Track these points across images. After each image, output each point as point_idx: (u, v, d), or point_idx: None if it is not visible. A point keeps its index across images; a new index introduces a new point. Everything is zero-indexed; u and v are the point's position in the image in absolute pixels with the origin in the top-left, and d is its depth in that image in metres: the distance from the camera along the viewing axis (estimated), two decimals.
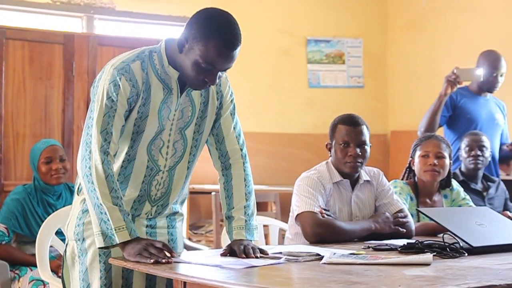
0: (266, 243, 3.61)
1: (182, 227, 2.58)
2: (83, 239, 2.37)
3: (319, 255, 2.26)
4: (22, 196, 3.78)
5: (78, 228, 2.38)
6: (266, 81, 6.65)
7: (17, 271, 3.71)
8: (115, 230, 2.18)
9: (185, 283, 2.05)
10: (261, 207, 5.36)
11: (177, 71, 2.29)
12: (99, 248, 2.24)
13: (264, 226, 3.62)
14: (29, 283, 3.62)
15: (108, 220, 2.19)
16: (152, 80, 2.28)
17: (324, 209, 2.84)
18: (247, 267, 2.04)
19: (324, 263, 2.13)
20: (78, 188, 2.41)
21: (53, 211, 3.49)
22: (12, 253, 3.72)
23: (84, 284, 2.38)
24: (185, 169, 2.43)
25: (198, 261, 2.18)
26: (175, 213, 2.51)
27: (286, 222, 3.09)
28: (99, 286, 2.35)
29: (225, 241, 3.25)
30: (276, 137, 6.59)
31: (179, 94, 2.32)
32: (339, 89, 6.96)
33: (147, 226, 2.43)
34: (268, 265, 2.11)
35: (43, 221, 3.19)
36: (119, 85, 2.23)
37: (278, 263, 2.15)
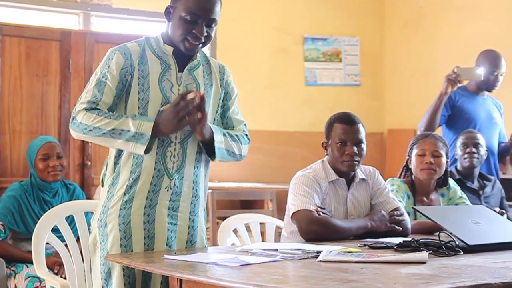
0: (263, 241, 3.61)
1: (203, 220, 2.59)
2: (106, 224, 2.44)
3: (315, 252, 2.26)
4: (19, 193, 3.78)
5: (102, 215, 2.47)
6: (263, 79, 6.65)
7: (13, 268, 3.70)
8: (139, 129, 2.35)
9: (181, 280, 2.05)
10: (258, 204, 5.37)
11: (172, 47, 2.49)
12: (145, 153, 2.36)
13: (261, 223, 3.62)
14: (25, 279, 3.61)
15: (128, 131, 2.35)
16: (149, 56, 2.48)
17: (320, 207, 2.84)
18: (243, 265, 2.05)
19: (320, 261, 2.14)
20: (102, 180, 2.53)
21: (49, 208, 3.48)
22: (8, 250, 3.72)
23: (104, 269, 2.42)
24: (196, 145, 2.51)
25: (194, 258, 2.18)
26: (197, 197, 2.52)
27: (283, 219, 3.09)
28: (121, 269, 2.39)
29: (222, 239, 3.25)
30: (272, 135, 6.59)
31: (178, 69, 2.50)
32: (336, 87, 6.97)
33: (168, 208, 2.46)
34: (264, 262, 2.12)
35: (39, 218, 3.19)
36: (112, 58, 2.45)
37: (274, 261, 2.15)
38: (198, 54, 2.56)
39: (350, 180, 3.01)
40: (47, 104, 4.89)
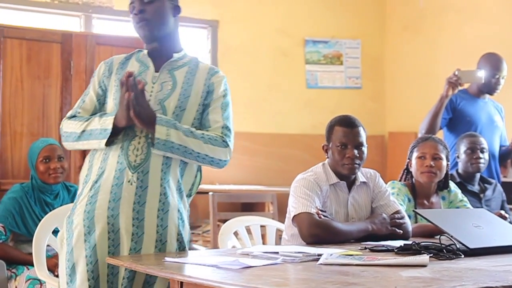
0: (263, 243, 3.62)
1: (178, 221, 2.51)
2: (72, 221, 2.46)
3: (315, 255, 2.26)
4: (20, 195, 3.78)
5: (71, 211, 2.50)
6: (264, 82, 6.65)
7: (14, 270, 3.70)
8: (102, 125, 2.44)
9: (182, 283, 2.05)
10: (258, 207, 5.37)
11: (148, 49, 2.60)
12: (106, 145, 2.44)
13: (261, 226, 3.62)
14: (25, 282, 3.61)
15: (95, 129, 2.46)
16: (131, 63, 2.60)
17: (321, 210, 2.84)
18: (244, 267, 2.05)
19: (321, 264, 2.14)
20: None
21: (50, 210, 3.49)
22: (9, 252, 3.72)
23: (69, 264, 2.42)
24: None
25: (194, 261, 2.19)
26: (166, 195, 2.47)
27: (283, 222, 3.09)
28: (85, 264, 2.38)
29: (223, 241, 3.25)
30: (273, 138, 6.59)
31: (155, 69, 2.56)
32: (337, 90, 6.97)
33: (134, 203, 2.43)
34: (264, 265, 2.12)
35: (40, 220, 3.19)
36: (98, 70, 2.62)
37: (275, 264, 2.15)
38: (186, 58, 2.60)
39: (351, 183, 3.01)
40: (48, 106, 4.88)
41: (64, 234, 2.49)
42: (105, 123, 2.44)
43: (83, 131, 2.48)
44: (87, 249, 2.40)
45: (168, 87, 2.52)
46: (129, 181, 2.42)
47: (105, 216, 2.41)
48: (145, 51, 2.60)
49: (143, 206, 2.43)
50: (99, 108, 2.57)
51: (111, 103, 2.53)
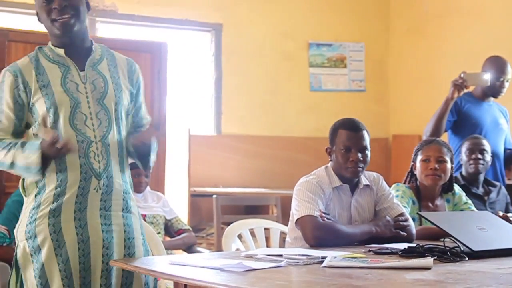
0: (267, 246, 3.62)
1: (138, 215, 2.57)
2: (35, 236, 2.40)
3: (319, 258, 2.26)
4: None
5: (29, 226, 2.42)
6: (268, 85, 6.66)
7: None
8: (28, 162, 2.35)
9: (185, 285, 2.06)
10: (262, 210, 5.36)
11: (62, 48, 2.48)
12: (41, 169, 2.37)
13: (265, 229, 3.62)
14: None
15: (22, 165, 2.37)
16: (44, 64, 2.45)
17: (324, 213, 2.84)
18: (247, 270, 2.05)
19: (325, 267, 2.14)
20: (24, 189, 2.49)
21: None
22: (13, 254, 3.72)
23: (41, 281, 2.37)
24: (116, 142, 2.49)
25: (199, 263, 2.19)
26: (127, 192, 2.52)
27: (287, 225, 3.09)
28: (60, 279, 2.35)
29: (226, 244, 3.25)
30: (277, 141, 6.59)
31: (78, 68, 2.47)
32: (341, 93, 6.97)
33: (100, 209, 2.43)
34: (268, 268, 2.12)
35: None
36: (4, 81, 2.43)
37: (279, 266, 2.16)
38: (98, 49, 2.54)
39: (353, 186, 3.00)
40: None
41: (27, 250, 2.42)
42: (31, 160, 2.34)
43: (12, 163, 2.39)
44: (60, 263, 2.37)
45: (101, 84, 2.47)
46: (95, 189, 2.42)
47: (72, 227, 2.39)
48: (59, 50, 2.48)
49: (109, 210, 2.45)
50: (19, 124, 2.44)
51: (44, 112, 2.39)
